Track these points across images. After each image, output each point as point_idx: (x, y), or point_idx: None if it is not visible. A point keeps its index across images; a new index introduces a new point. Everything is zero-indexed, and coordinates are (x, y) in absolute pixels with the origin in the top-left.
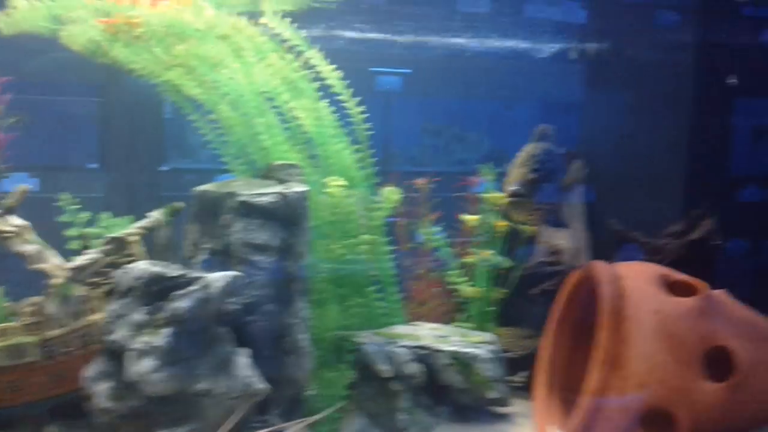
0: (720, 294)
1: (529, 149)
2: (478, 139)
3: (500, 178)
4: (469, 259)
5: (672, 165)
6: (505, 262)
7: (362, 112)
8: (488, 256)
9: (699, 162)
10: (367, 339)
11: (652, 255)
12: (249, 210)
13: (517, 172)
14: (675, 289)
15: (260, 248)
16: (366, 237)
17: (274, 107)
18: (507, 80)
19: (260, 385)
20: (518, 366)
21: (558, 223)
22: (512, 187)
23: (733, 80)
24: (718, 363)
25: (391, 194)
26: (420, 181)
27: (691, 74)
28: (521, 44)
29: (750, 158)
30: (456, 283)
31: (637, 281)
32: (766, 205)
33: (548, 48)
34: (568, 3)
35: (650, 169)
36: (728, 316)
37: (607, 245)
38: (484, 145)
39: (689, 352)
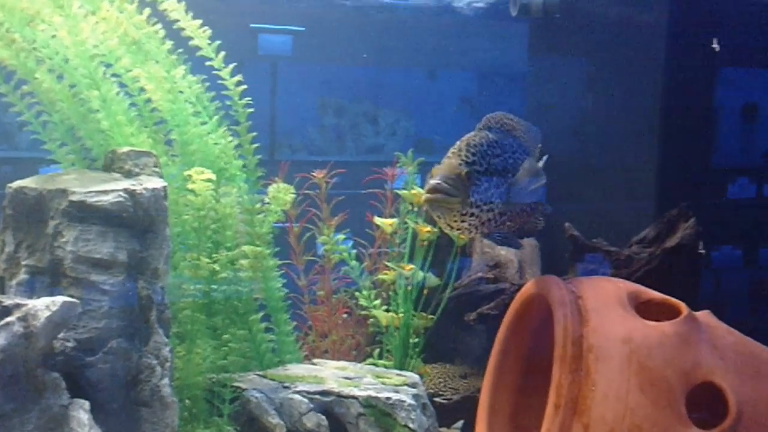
0: (705, 316)
1: (467, 137)
2: (394, 118)
3: (426, 170)
4: (385, 276)
5: (642, 153)
6: (432, 279)
7: (239, 83)
8: (410, 271)
9: (676, 149)
10: (252, 383)
11: (619, 268)
12: (85, 213)
13: (444, 164)
14: (648, 310)
15: (101, 264)
16: (247, 248)
17: (114, 76)
18: (431, 43)
19: None
20: (452, 414)
21: (505, 238)
22: (433, 181)
23: (715, 45)
24: (706, 404)
25: (281, 192)
26: (319, 174)
27: (663, 37)
28: None
29: (740, 144)
30: (368, 308)
31: (601, 302)
32: (761, 202)
33: (482, 2)
34: None
35: (615, 158)
36: (717, 344)
37: (563, 256)
38: (402, 127)
39: (669, 391)
